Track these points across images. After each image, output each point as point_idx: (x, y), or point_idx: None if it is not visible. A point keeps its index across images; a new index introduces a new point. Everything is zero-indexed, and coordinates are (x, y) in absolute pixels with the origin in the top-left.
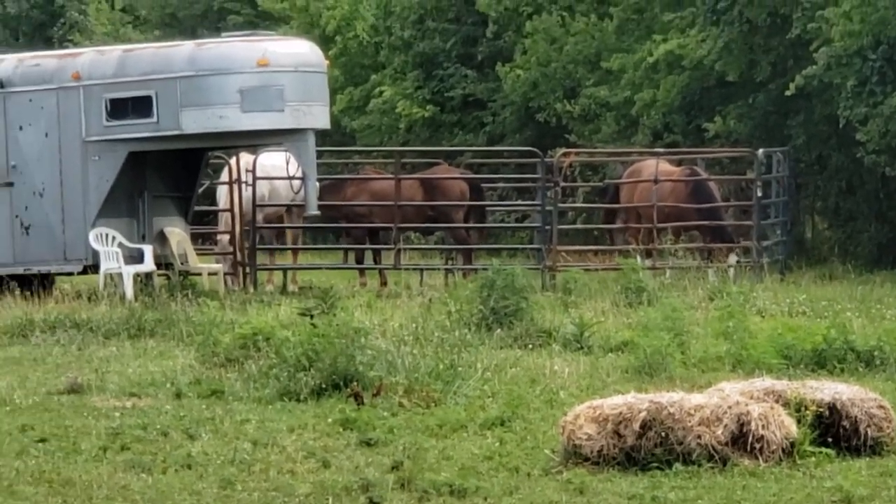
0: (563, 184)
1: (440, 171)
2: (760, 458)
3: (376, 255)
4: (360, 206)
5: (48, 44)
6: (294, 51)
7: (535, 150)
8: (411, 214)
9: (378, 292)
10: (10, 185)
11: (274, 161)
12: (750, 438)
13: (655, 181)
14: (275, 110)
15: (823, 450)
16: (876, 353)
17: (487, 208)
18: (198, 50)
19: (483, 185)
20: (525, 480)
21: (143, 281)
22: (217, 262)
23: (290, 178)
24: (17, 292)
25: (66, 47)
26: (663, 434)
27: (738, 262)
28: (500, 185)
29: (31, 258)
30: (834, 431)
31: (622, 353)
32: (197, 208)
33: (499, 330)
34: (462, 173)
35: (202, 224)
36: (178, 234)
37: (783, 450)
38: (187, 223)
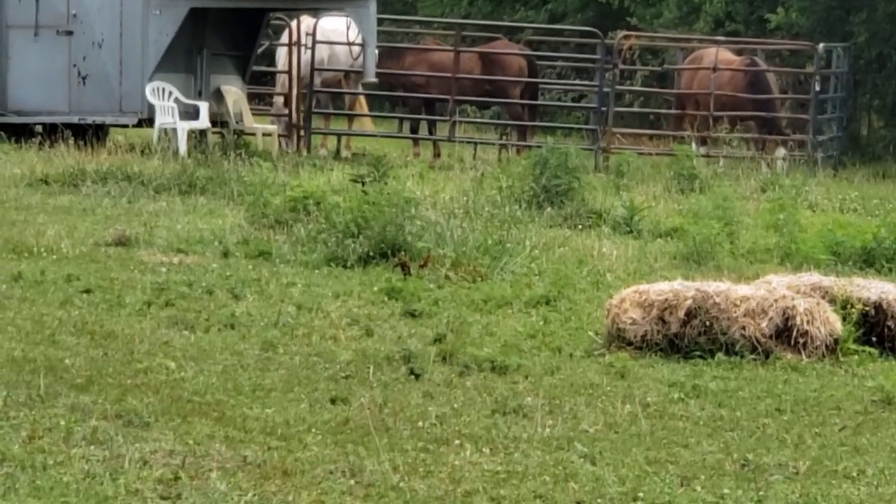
0: (621, 66)
1: (499, 46)
2: (803, 354)
3: (431, 126)
4: (417, 76)
5: None
6: None
7: (595, 30)
8: (468, 88)
9: (431, 163)
10: (70, 33)
11: (335, 25)
12: (794, 333)
13: (714, 69)
14: None
15: (866, 348)
16: None
17: (544, 86)
18: None
19: (542, 63)
20: (567, 361)
21: (198, 137)
22: (272, 122)
23: (350, 43)
24: (71, 141)
25: None
26: (708, 323)
27: (786, 155)
28: (559, 63)
29: (87, 108)
30: (878, 331)
31: (671, 240)
32: (255, 68)
33: (549, 208)
34: (521, 49)
35: (259, 84)
36: (234, 92)
37: (826, 346)
38: (244, 83)
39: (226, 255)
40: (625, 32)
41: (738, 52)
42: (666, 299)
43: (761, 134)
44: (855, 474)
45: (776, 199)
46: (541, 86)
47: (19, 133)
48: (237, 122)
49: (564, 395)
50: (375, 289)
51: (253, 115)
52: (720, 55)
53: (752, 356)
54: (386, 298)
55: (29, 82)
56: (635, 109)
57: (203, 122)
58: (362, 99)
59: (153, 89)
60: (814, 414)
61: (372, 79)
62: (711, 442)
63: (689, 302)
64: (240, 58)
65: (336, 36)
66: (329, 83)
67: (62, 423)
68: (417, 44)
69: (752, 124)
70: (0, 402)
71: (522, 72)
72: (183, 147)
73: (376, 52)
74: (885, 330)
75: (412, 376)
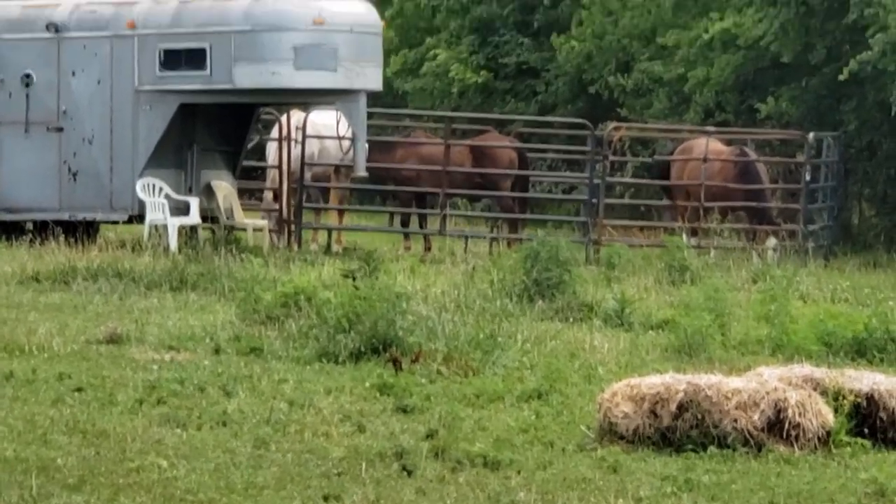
0: (612, 157)
1: (490, 139)
2: (796, 446)
3: (422, 219)
4: (408, 170)
5: None
6: (350, 10)
7: (585, 122)
8: (459, 180)
9: (422, 257)
10: (60, 130)
11: (325, 120)
12: (786, 425)
13: (705, 160)
14: (328, 69)
15: (859, 440)
16: None
17: (535, 178)
18: (254, 5)
19: (532, 155)
20: (559, 455)
21: (188, 233)
22: (262, 217)
23: (340, 137)
24: (62, 238)
25: None
26: (700, 416)
27: (777, 245)
28: (550, 155)
29: (78, 205)
30: (871, 422)
31: (663, 332)
32: (245, 163)
33: (540, 302)
34: (511, 142)
35: (250, 179)
36: (225, 188)
37: (819, 438)
38: (235, 178)
39: (217, 351)
40: (615, 124)
41: (729, 142)
42: (657, 392)
43: (752, 224)
44: None
45: (767, 289)
46: (531, 178)
47: (10, 230)
48: (228, 218)
49: (557, 490)
50: (367, 384)
51: (243, 210)
52: (710, 145)
53: (745, 449)
54: (378, 394)
55: (19, 179)
56: (626, 201)
57: (193, 217)
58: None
59: (143, 185)
60: None
61: (362, 173)
62: None
63: (680, 395)
64: (230, 153)
65: (326, 130)
66: (319, 178)
67: None
68: (408, 137)
69: (743, 214)
70: None
71: (513, 164)
72: (174, 243)
73: (366, 145)
74: (878, 421)
75: (405, 472)
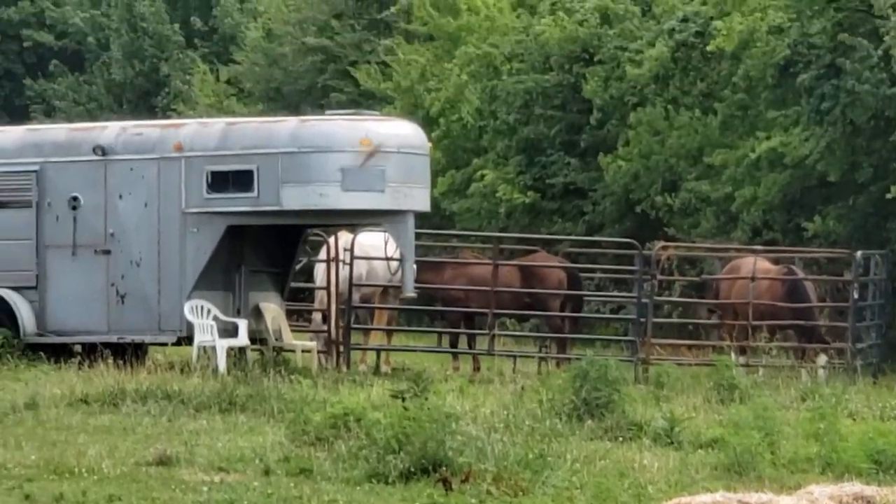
0: (659, 277)
1: (539, 259)
2: None
3: (471, 339)
4: (456, 290)
5: (152, 112)
6: (397, 132)
7: (633, 241)
8: (508, 300)
9: (471, 377)
10: (108, 252)
11: (373, 241)
12: None
13: (752, 278)
14: (375, 190)
15: None
16: None
17: (583, 298)
18: (301, 126)
19: (580, 274)
20: None
21: (237, 355)
22: (311, 339)
23: (388, 258)
24: (110, 360)
25: (170, 117)
26: None
27: (828, 363)
28: (597, 275)
29: (126, 327)
30: None
31: (712, 450)
32: (293, 285)
33: (590, 421)
34: (560, 261)
35: (298, 300)
36: (273, 309)
37: None
38: (283, 299)
39: (267, 472)
40: (662, 243)
41: (776, 261)
42: None
43: (800, 342)
44: None
45: (816, 407)
46: (574, 297)
47: (59, 353)
48: (276, 339)
49: None
50: None
51: (292, 331)
52: (758, 264)
53: None
54: None
55: (67, 302)
56: (674, 320)
57: (242, 339)
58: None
59: (192, 307)
60: None
61: (411, 294)
62: None
63: None
64: (278, 274)
65: (374, 251)
66: (368, 298)
67: None
68: (456, 257)
69: (791, 332)
70: None
71: (562, 284)
72: (222, 365)
73: (414, 266)
74: None
75: None
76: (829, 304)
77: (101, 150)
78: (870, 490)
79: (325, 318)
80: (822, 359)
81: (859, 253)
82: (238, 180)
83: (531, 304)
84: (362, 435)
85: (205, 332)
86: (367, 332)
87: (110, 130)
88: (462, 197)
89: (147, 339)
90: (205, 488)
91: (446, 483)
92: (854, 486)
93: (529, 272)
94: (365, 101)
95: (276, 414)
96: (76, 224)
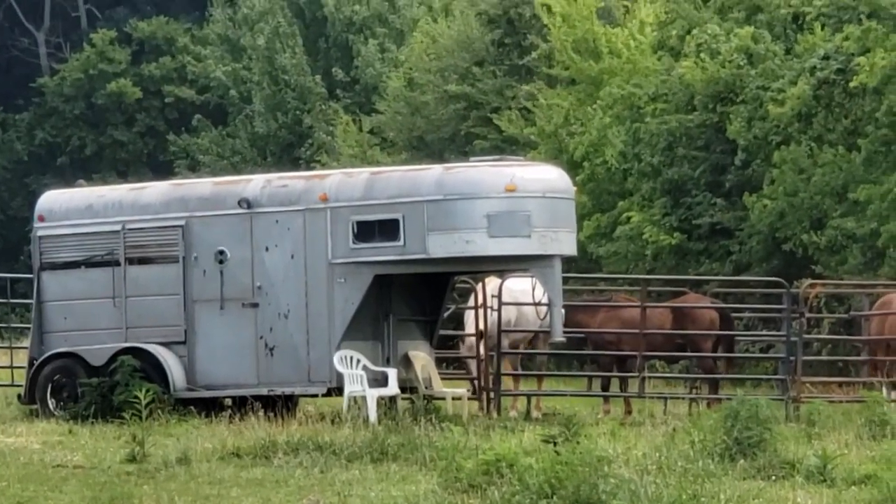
0: (808, 315)
1: (691, 300)
2: None
3: (622, 382)
4: (609, 333)
5: (295, 164)
6: (542, 176)
7: (780, 280)
8: (660, 342)
9: (622, 420)
10: (255, 305)
11: (522, 286)
12: None
13: None
14: (522, 236)
15: None
16: None
17: (735, 338)
18: (446, 174)
19: (731, 314)
20: None
21: (387, 404)
22: (467, 388)
23: (537, 304)
24: (261, 413)
25: (314, 168)
26: None
27: None
28: (746, 314)
29: (275, 379)
30: None
31: (865, 487)
32: (442, 332)
33: (742, 461)
34: (712, 302)
35: (447, 348)
36: (422, 357)
37: None
38: (432, 347)
39: None
40: (810, 281)
41: None
42: None
43: None
44: None
45: None
46: (727, 338)
47: (209, 407)
48: (426, 388)
49: None
50: None
51: (442, 379)
52: None
53: None
54: None
55: (216, 355)
56: (824, 357)
57: (392, 388)
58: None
59: (341, 358)
60: None
61: (560, 338)
62: None
63: None
64: (426, 322)
65: (523, 296)
66: (517, 344)
67: None
68: (608, 300)
69: None
70: None
71: (714, 324)
72: (373, 414)
73: (563, 311)
74: None
75: None
76: None
77: (246, 202)
78: None
79: (478, 364)
80: None
81: None
82: (384, 229)
83: (683, 345)
84: (515, 481)
85: (355, 382)
86: (517, 377)
87: (255, 183)
88: (608, 240)
89: (297, 390)
90: None
91: None
92: None
93: (681, 313)
94: (508, 147)
95: (428, 462)
96: (223, 278)
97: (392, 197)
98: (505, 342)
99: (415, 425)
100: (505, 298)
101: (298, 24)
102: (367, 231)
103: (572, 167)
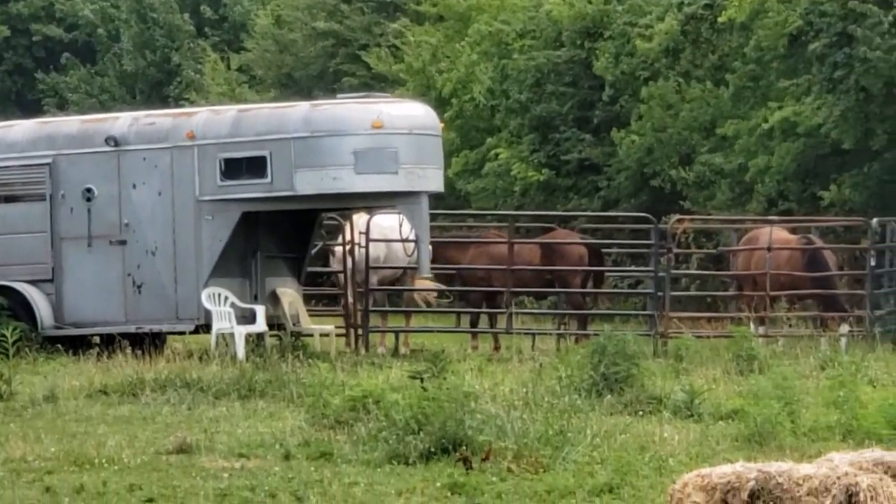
0: (676, 250)
1: (560, 236)
2: None
3: (491, 318)
4: (478, 270)
5: (164, 102)
6: (408, 113)
7: (648, 216)
8: (529, 278)
9: (490, 356)
10: (123, 243)
11: (391, 222)
12: None
13: (769, 249)
14: (389, 172)
15: None
16: None
17: (604, 273)
18: (313, 111)
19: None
20: None
21: (255, 341)
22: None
23: (404, 240)
24: (129, 351)
25: (182, 106)
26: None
27: (850, 331)
28: (614, 250)
29: (143, 317)
30: None
31: (732, 421)
32: (309, 269)
33: (609, 396)
34: (581, 238)
35: (315, 285)
36: (290, 294)
37: None
38: (300, 284)
39: (287, 457)
40: (678, 216)
41: (793, 231)
42: (728, 482)
43: (821, 311)
44: None
45: (836, 376)
46: (596, 273)
47: (77, 345)
48: (294, 324)
49: None
50: (438, 484)
51: (309, 315)
52: (775, 234)
53: None
54: (449, 494)
55: (84, 293)
56: (692, 293)
57: (260, 325)
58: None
59: (209, 295)
60: None
61: (427, 274)
62: None
63: (751, 483)
64: (294, 259)
65: (392, 233)
66: (386, 280)
67: None
68: (478, 236)
69: (810, 302)
70: None
71: (583, 260)
72: (241, 351)
73: (430, 247)
74: None
75: None
76: (847, 273)
77: (113, 140)
78: (890, 456)
79: (345, 297)
80: (845, 328)
81: (875, 220)
82: (251, 167)
83: (552, 281)
84: (381, 417)
85: (222, 319)
86: (385, 314)
87: (122, 121)
88: (476, 177)
89: (165, 328)
90: (225, 475)
91: (466, 462)
92: (874, 453)
93: (550, 249)
94: (377, 84)
95: (296, 399)
96: (90, 215)
97: (259, 134)
98: (374, 279)
99: (282, 362)
100: (374, 235)
101: None
102: (235, 168)
103: (440, 104)
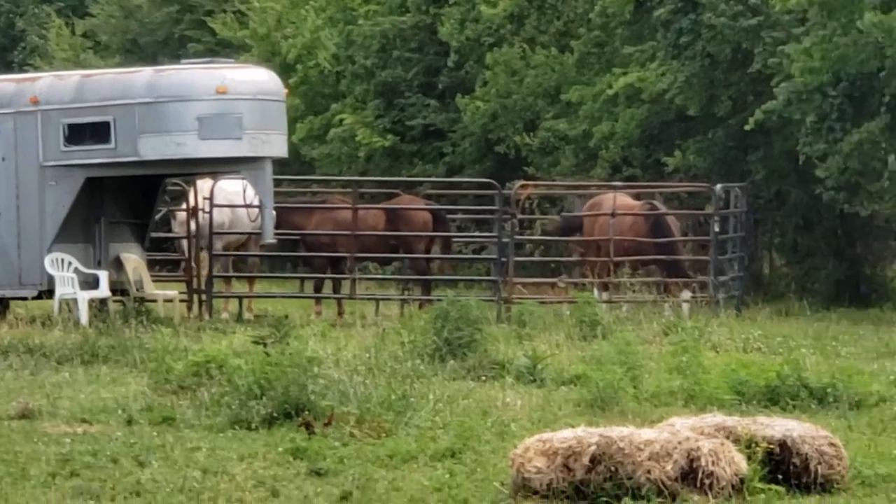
0: (520, 216)
1: (404, 202)
2: (710, 495)
3: (335, 284)
4: (322, 235)
5: (8, 68)
6: (253, 79)
7: (492, 181)
8: (373, 243)
9: (333, 322)
10: None
11: (237, 188)
12: (699, 474)
13: (613, 214)
14: (233, 138)
15: (773, 487)
16: (829, 390)
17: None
18: (157, 76)
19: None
20: None
21: (98, 307)
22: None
23: (248, 206)
24: None
25: (26, 72)
26: (613, 468)
27: (693, 297)
28: (458, 216)
29: None
30: (784, 468)
31: (575, 387)
32: (153, 235)
33: (452, 361)
34: (427, 204)
35: (159, 251)
36: (134, 260)
37: (733, 486)
38: (144, 249)
39: (130, 422)
40: (522, 182)
41: (637, 196)
42: (570, 446)
43: (664, 277)
44: None
45: (679, 341)
46: (441, 239)
47: None
48: (138, 290)
49: None
50: (280, 449)
51: (153, 281)
52: (619, 200)
53: (659, 499)
54: (291, 458)
55: None
56: (535, 258)
57: (103, 291)
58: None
59: (52, 260)
60: None
61: (270, 240)
62: None
63: (593, 448)
64: (138, 225)
65: (237, 198)
66: (231, 246)
67: None
68: (323, 202)
69: (654, 268)
70: None
71: (428, 226)
72: (84, 317)
73: (274, 213)
74: (791, 467)
75: None
76: (690, 238)
77: None
78: (731, 421)
79: (188, 265)
80: (687, 293)
81: (719, 186)
82: (95, 132)
83: (397, 246)
84: (224, 382)
85: (66, 284)
86: (229, 279)
87: None
88: (321, 142)
89: (7, 293)
90: (67, 440)
91: (309, 427)
92: (716, 418)
93: (395, 215)
94: (222, 50)
95: (139, 364)
96: None
97: (103, 99)
98: (218, 244)
99: (126, 327)
100: (218, 200)
101: None
102: (79, 134)
103: (285, 70)
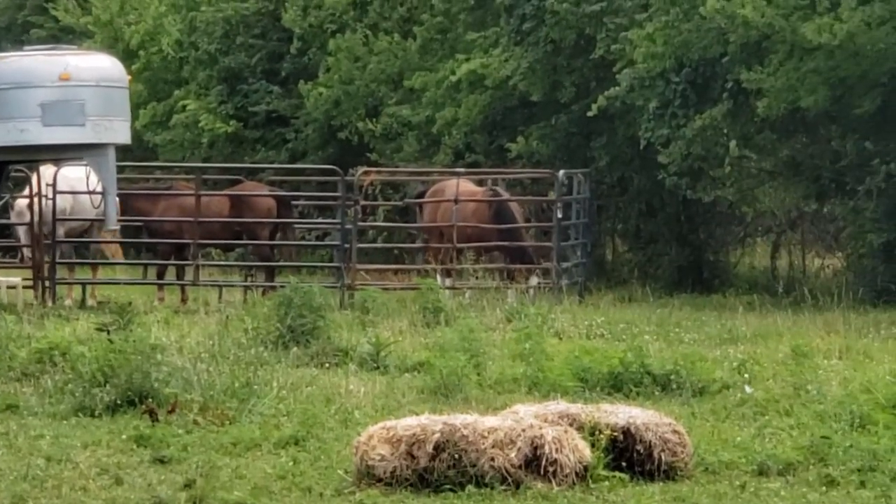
0: (363, 202)
1: (248, 188)
2: (554, 482)
3: (179, 270)
4: (167, 222)
5: None
6: (96, 65)
7: (335, 168)
8: (217, 230)
9: (177, 308)
10: None
11: (80, 174)
12: (543, 462)
13: (456, 201)
14: (76, 125)
15: (617, 474)
16: (672, 377)
17: (287, 226)
18: None
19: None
20: (318, 501)
21: None
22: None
23: (91, 192)
24: None
25: None
26: (456, 456)
27: (539, 283)
28: (301, 202)
29: None
30: (628, 456)
31: (418, 374)
32: None
33: (295, 348)
34: (270, 190)
35: (2, 237)
36: None
37: (577, 473)
38: None
39: None
40: (365, 168)
41: (480, 183)
42: (413, 434)
43: (508, 263)
44: None
45: (522, 328)
46: (285, 225)
47: None
48: None
49: None
50: (124, 437)
51: None
52: (462, 186)
53: (503, 487)
54: (135, 446)
55: None
56: (378, 245)
57: None
58: (115, 247)
59: None
60: None
61: (114, 227)
62: None
63: (436, 436)
64: None
65: (80, 184)
66: (74, 232)
67: None
68: (169, 189)
69: (498, 254)
70: None
71: (272, 212)
72: None
73: (117, 199)
74: (635, 455)
75: None
76: (534, 225)
77: None
78: (575, 408)
79: (33, 252)
80: (535, 279)
81: (562, 172)
82: None
83: (241, 233)
84: (68, 369)
85: None
86: (72, 266)
87: None
88: (164, 129)
89: None
90: None
91: (152, 414)
92: (559, 405)
93: (239, 201)
94: (64, 36)
95: None
96: None
97: None
98: (61, 231)
99: None
100: (61, 187)
101: None
102: None
103: (128, 56)
